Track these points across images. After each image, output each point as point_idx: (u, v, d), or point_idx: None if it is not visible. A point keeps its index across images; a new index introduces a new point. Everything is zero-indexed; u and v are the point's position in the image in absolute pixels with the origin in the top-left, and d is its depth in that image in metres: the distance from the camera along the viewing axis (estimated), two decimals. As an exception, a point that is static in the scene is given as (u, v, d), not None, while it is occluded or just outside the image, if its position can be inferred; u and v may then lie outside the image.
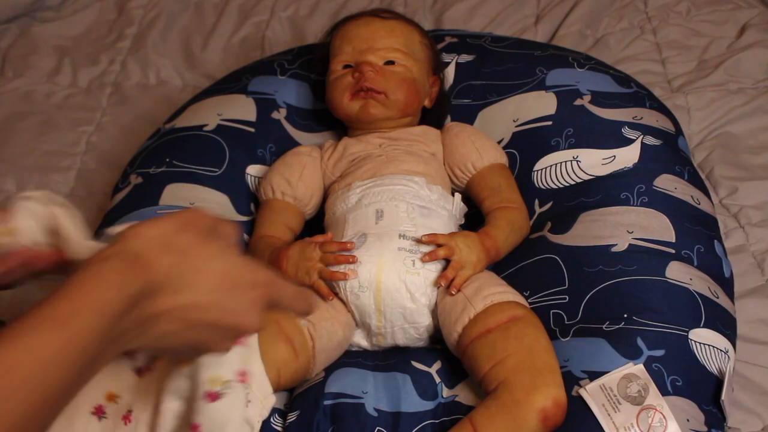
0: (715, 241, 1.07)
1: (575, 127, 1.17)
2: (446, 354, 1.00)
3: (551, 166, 1.16)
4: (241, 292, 0.64)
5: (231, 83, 1.33)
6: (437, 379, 0.97)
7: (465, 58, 1.31)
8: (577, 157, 1.14)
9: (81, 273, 0.58)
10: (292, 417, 0.94)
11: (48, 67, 1.69)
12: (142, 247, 0.61)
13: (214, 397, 0.71)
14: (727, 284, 1.04)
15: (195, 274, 0.62)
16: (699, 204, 1.10)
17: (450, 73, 1.30)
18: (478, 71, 1.29)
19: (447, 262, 1.02)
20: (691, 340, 0.94)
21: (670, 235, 1.03)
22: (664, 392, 0.88)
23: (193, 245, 0.63)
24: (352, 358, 1.02)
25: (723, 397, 0.91)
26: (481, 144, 1.16)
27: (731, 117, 1.40)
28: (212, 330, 0.64)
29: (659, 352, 0.91)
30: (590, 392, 0.88)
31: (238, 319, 0.65)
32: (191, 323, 0.62)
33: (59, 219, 0.73)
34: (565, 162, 1.15)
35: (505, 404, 0.87)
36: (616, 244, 1.03)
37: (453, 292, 0.99)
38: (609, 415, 0.86)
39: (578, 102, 1.19)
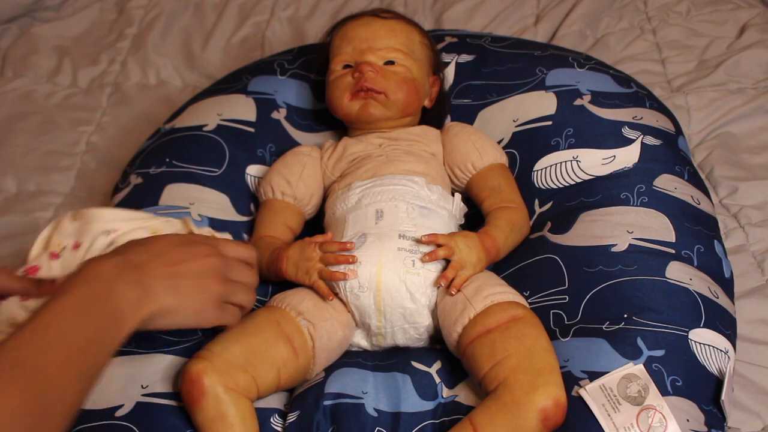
0: (715, 241, 1.07)
1: (575, 127, 1.17)
2: (446, 354, 1.00)
3: (551, 166, 1.16)
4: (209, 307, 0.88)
5: (231, 83, 1.33)
6: (437, 379, 0.97)
7: (465, 58, 1.31)
8: (577, 157, 1.14)
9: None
10: (292, 417, 0.94)
11: (48, 67, 1.69)
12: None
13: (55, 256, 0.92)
14: (727, 284, 1.04)
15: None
16: (699, 204, 1.10)
17: (450, 73, 1.30)
18: (478, 71, 1.29)
19: (447, 262, 1.02)
20: (691, 340, 0.94)
21: (670, 235, 1.03)
22: (664, 392, 0.88)
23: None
24: (352, 358, 1.02)
25: (723, 397, 0.90)
26: (481, 144, 1.16)
27: (731, 117, 1.40)
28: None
29: (659, 352, 0.91)
30: (590, 392, 0.88)
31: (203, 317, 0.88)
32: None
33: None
34: (565, 162, 1.15)
35: (505, 404, 0.87)
36: (616, 244, 1.03)
37: (453, 293, 0.99)
38: (609, 415, 0.86)
39: (578, 102, 1.19)
